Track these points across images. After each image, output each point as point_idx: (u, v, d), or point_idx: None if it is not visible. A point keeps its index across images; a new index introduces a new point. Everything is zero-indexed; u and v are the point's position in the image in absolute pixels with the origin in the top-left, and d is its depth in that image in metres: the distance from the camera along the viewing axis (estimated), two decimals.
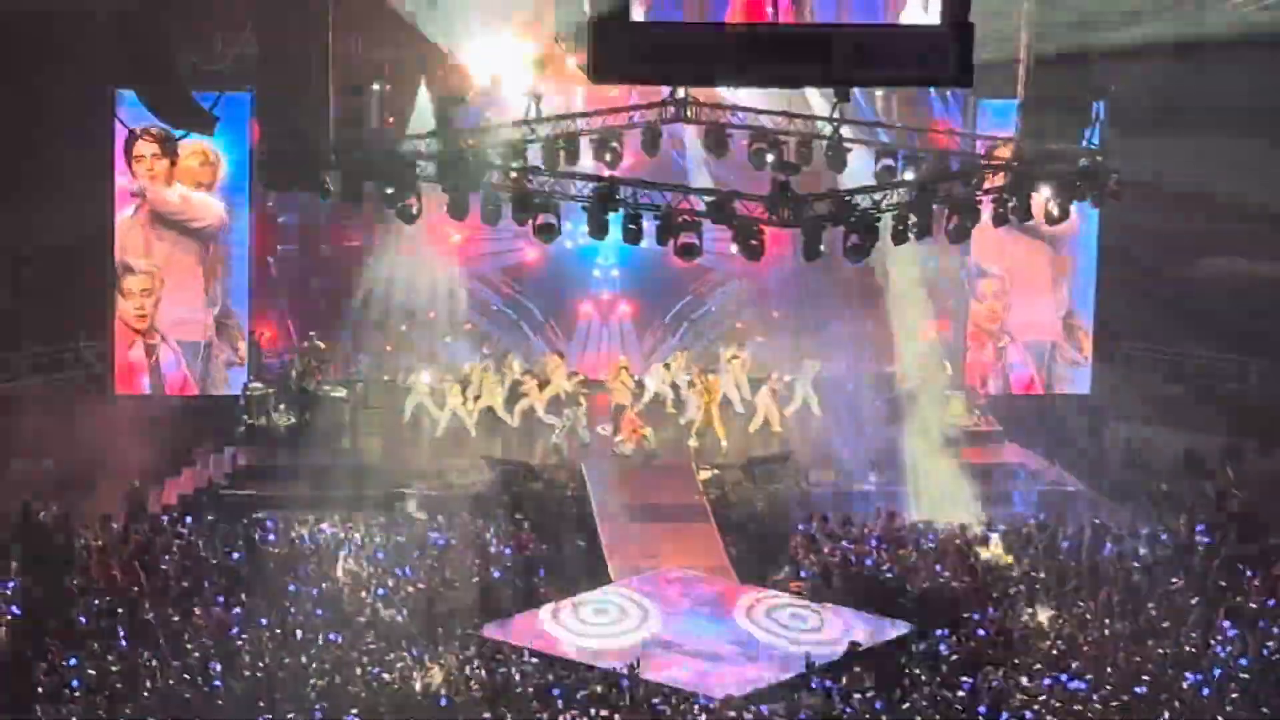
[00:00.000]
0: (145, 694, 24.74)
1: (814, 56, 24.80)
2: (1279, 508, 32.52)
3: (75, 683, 24.91)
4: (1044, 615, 27.96)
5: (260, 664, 25.55)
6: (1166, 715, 24.85)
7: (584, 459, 34.19)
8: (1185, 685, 25.35)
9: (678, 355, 36.90)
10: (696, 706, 25.38)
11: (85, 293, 35.36)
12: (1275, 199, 34.78)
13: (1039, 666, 26.18)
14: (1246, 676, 25.77)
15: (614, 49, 24.35)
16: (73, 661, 25.44)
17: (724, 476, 33.78)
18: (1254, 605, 27.97)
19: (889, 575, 29.60)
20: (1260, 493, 33.10)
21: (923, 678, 25.83)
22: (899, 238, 27.06)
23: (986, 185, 27.83)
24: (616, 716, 24.78)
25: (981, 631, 27.28)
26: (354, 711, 24.63)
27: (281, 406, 35.31)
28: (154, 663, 25.43)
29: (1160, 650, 26.48)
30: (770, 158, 30.80)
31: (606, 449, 34.67)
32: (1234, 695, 25.20)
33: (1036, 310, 37.41)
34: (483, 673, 25.68)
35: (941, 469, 33.76)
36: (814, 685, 25.72)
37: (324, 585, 28.44)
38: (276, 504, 32.36)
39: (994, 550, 30.06)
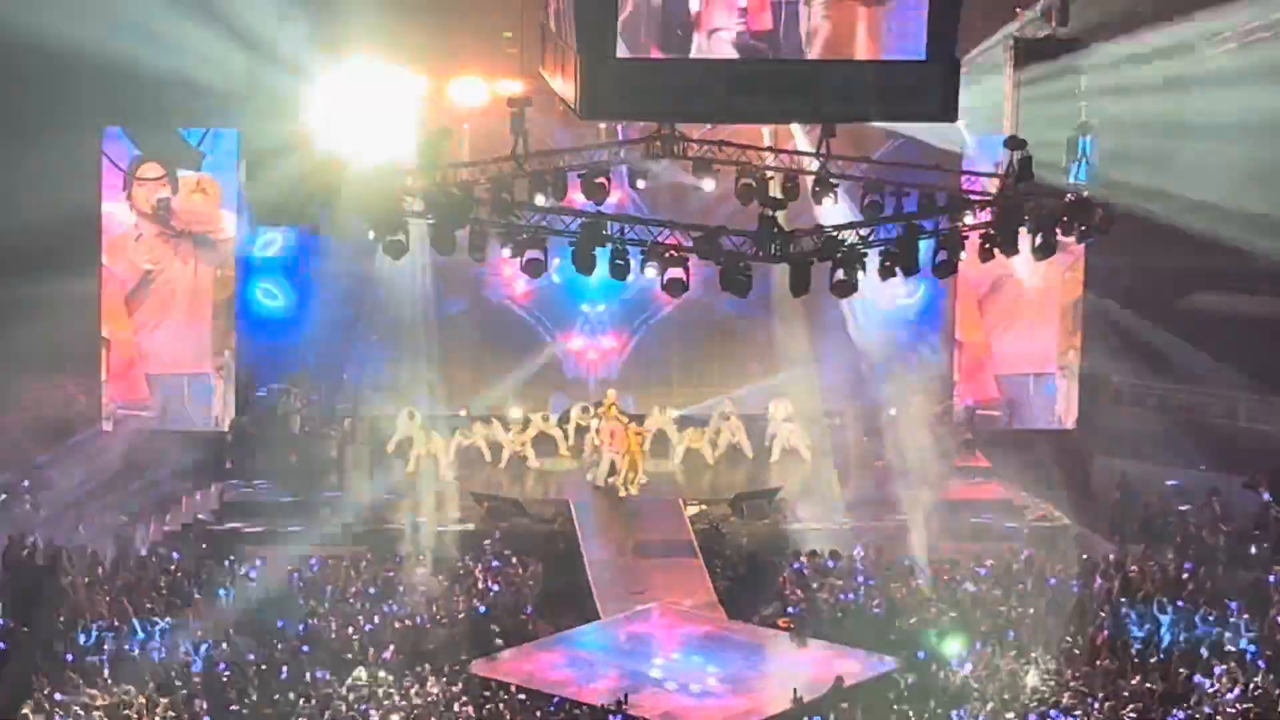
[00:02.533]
0: None
1: (802, 93, 24.86)
2: (1265, 542, 32.53)
3: (61, 718, 24.83)
4: (1032, 650, 27.94)
5: (247, 700, 25.49)
6: None
7: (571, 495, 34.18)
8: None
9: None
10: None
11: (75, 328, 35.27)
12: (1261, 234, 34.92)
13: (1027, 703, 26.16)
14: (1234, 711, 25.75)
15: (602, 86, 24.40)
16: (59, 697, 25.38)
17: (712, 512, 33.77)
18: (1242, 640, 27.98)
19: (877, 611, 29.58)
20: (1247, 527, 33.12)
21: (910, 713, 25.79)
22: (885, 273, 27.04)
23: (973, 220, 27.83)
24: None
25: (969, 667, 27.25)
26: None
27: (268, 443, 35.27)
28: (140, 699, 25.37)
29: (1148, 685, 26.46)
30: (756, 193, 30.82)
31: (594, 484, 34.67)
32: None
33: (1025, 344, 37.48)
34: (470, 709, 25.63)
35: (930, 504, 33.77)
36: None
37: (311, 621, 28.40)
38: (264, 540, 32.33)
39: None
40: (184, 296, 35.64)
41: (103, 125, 34.15)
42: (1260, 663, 27.18)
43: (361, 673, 26.76)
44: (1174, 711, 25.65)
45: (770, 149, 32.13)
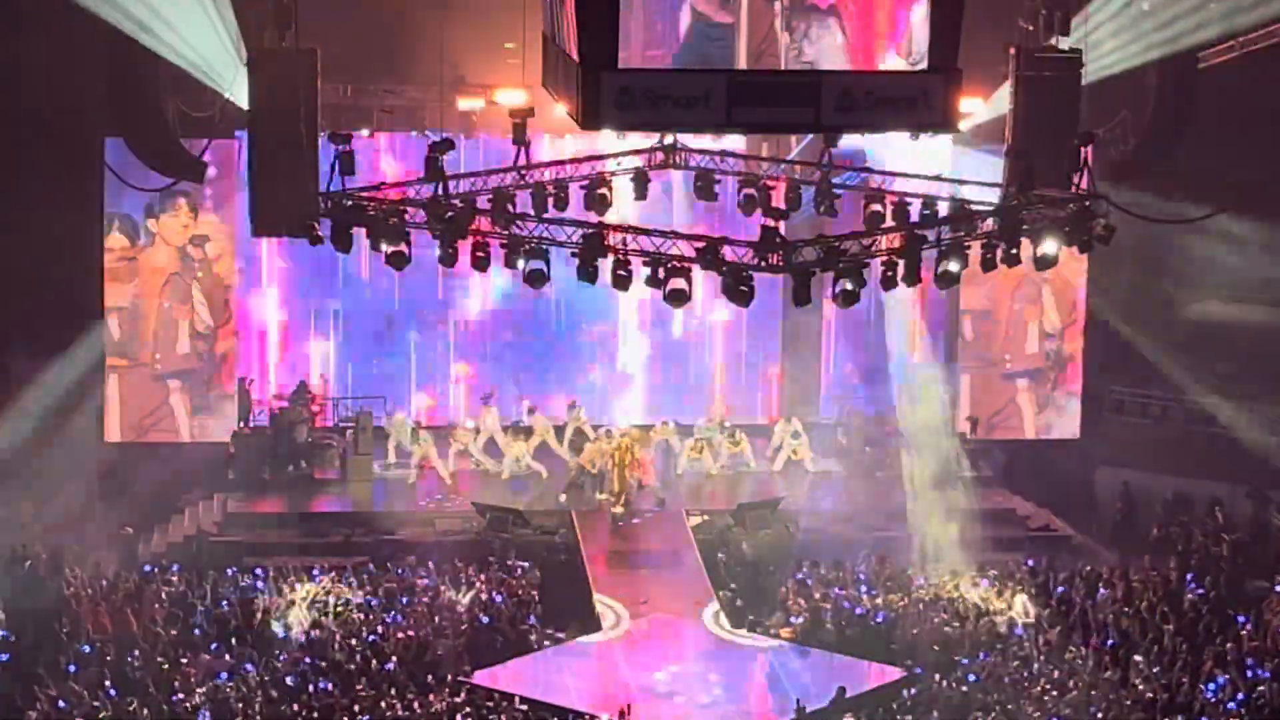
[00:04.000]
0: None
1: (802, 103, 24.88)
2: (1268, 552, 32.54)
3: None
4: (1035, 660, 27.93)
5: (250, 712, 25.49)
6: None
7: (574, 505, 34.17)
8: None
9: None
10: None
11: (76, 339, 35.34)
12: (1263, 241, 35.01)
13: (1030, 711, 26.14)
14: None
15: (603, 96, 24.41)
16: (62, 705, 25.38)
17: (714, 522, 33.74)
18: (1244, 650, 27.96)
19: (880, 621, 29.57)
20: (1249, 537, 33.11)
21: None
22: (887, 283, 27.07)
23: (975, 230, 27.86)
24: None
25: (972, 676, 27.24)
26: None
27: (270, 453, 35.30)
28: (144, 711, 25.36)
29: (1150, 695, 26.46)
30: (759, 203, 30.86)
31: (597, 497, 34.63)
32: None
33: (1027, 353, 37.60)
34: None
35: (934, 514, 33.79)
36: None
37: (314, 632, 28.40)
38: (266, 551, 32.35)
39: (984, 594, 30.12)
40: (194, 305, 35.91)
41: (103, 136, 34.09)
42: (1263, 672, 27.17)
43: (366, 684, 26.77)
44: None
45: (772, 159, 32.15)
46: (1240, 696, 26.27)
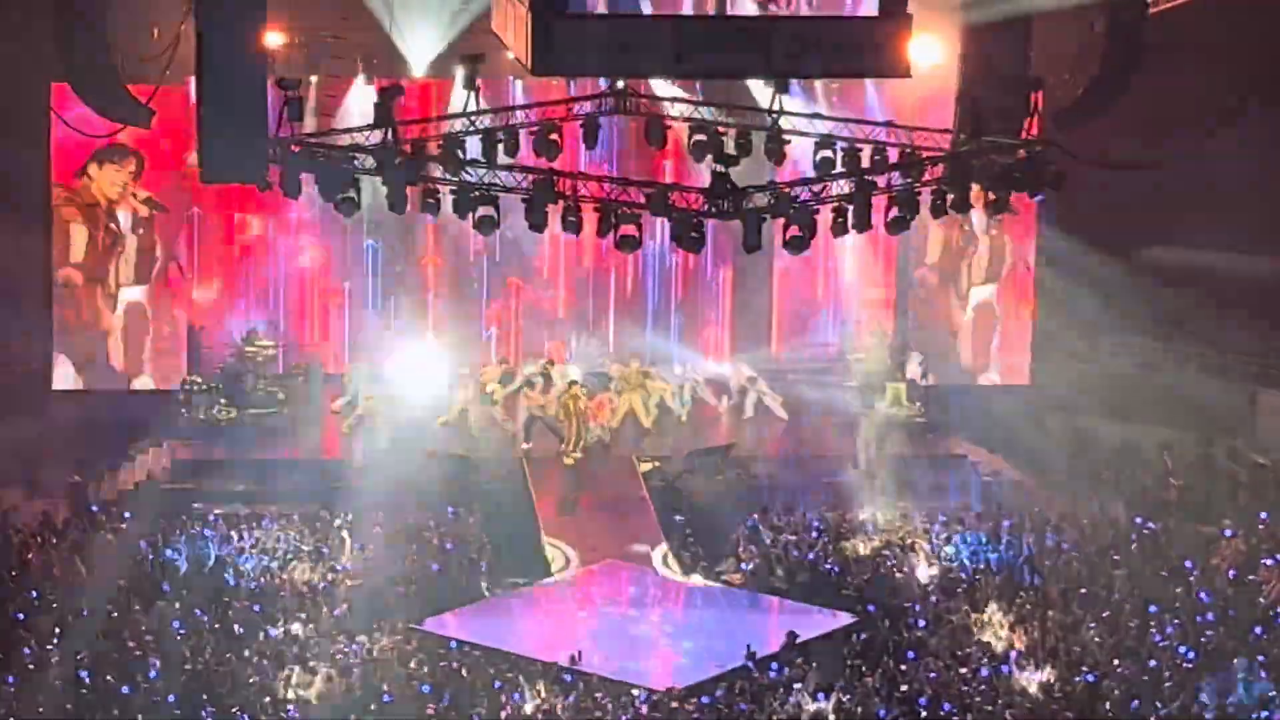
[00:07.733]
0: (83, 690, 24.60)
1: (754, 48, 24.86)
2: (1217, 497, 32.69)
3: (10, 680, 24.75)
4: (985, 606, 28.03)
5: (200, 660, 25.44)
6: (1106, 705, 24.96)
7: (523, 452, 34.15)
8: (1125, 674, 25.46)
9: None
10: (639, 700, 25.39)
11: (23, 288, 35.15)
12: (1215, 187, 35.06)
13: (980, 657, 26.26)
14: (1188, 666, 25.88)
15: (554, 42, 24.35)
16: (27, 651, 25.33)
17: (666, 468, 33.74)
18: (1193, 595, 28.11)
19: (831, 567, 29.64)
20: (1199, 482, 33.27)
21: (864, 669, 25.88)
22: (838, 230, 27.08)
23: (925, 177, 27.85)
24: (559, 709, 24.78)
25: (922, 623, 27.34)
26: (292, 706, 24.64)
27: (221, 401, 35.16)
28: (92, 659, 25.29)
29: (1098, 640, 26.60)
30: (709, 149, 30.77)
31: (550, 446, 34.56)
32: (1170, 685, 25.33)
33: (974, 299, 37.73)
34: (424, 666, 25.62)
35: (884, 460, 33.87)
36: (755, 676, 25.77)
37: (263, 580, 28.35)
38: (216, 499, 32.28)
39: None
40: (139, 250, 35.76)
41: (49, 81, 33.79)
42: (1210, 616, 27.32)
43: (315, 631, 26.75)
44: (1124, 665, 25.78)
45: (723, 104, 32.08)
46: (1187, 645, 26.40)
